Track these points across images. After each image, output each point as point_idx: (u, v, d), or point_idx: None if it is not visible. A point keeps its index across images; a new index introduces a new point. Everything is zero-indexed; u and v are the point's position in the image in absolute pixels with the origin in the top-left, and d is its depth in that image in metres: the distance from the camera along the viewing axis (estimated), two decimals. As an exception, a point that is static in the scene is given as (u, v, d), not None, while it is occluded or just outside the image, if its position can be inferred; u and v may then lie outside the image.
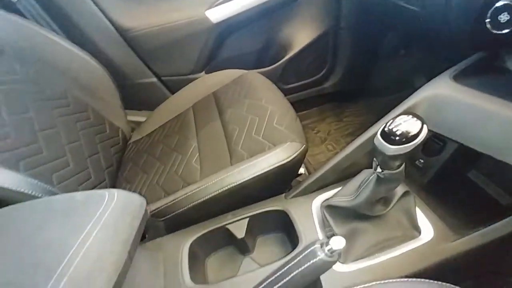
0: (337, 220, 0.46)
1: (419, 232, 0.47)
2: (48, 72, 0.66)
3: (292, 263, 0.30)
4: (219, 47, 0.93)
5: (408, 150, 0.33)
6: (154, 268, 0.46)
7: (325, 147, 1.06)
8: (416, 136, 0.33)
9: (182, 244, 0.50)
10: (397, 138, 0.34)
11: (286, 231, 0.56)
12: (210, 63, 0.95)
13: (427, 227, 0.47)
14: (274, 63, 0.99)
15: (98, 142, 0.69)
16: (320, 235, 0.48)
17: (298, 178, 0.71)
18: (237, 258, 0.56)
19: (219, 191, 0.52)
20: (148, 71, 0.90)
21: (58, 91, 0.66)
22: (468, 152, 0.43)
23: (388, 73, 1.08)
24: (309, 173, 0.86)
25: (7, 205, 0.37)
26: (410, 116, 0.35)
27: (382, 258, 0.44)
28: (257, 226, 0.54)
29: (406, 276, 0.42)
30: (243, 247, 0.55)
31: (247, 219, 0.53)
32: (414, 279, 0.36)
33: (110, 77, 0.79)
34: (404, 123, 0.34)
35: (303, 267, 0.29)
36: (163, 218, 0.55)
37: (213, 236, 0.53)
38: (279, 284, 0.30)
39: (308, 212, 0.51)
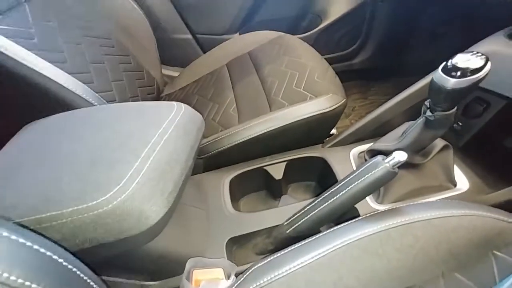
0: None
1: (454, 185, 0.49)
2: (96, 12, 0.67)
3: (356, 173, 0.32)
4: (255, 9, 0.93)
5: (470, 83, 0.34)
6: (198, 193, 0.49)
7: (349, 121, 1.07)
8: (479, 70, 0.34)
9: (223, 179, 0.53)
10: (460, 72, 0.34)
11: (320, 179, 0.58)
12: (245, 25, 0.95)
13: (462, 181, 0.49)
14: (307, 32, 0.98)
15: (138, 86, 0.72)
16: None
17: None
18: (270, 202, 0.59)
19: (260, 132, 0.54)
20: (184, 27, 0.91)
21: (104, 31, 0.67)
22: (507, 119, 0.44)
23: (420, 53, 1.07)
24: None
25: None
26: (474, 52, 0.35)
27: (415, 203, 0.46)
28: (293, 172, 0.56)
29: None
30: (277, 191, 0.57)
31: (285, 162, 0.55)
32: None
33: (150, 27, 0.80)
34: (468, 59, 0.35)
35: (366, 176, 0.31)
36: (202, 156, 0.57)
37: (251, 176, 0.55)
38: (342, 192, 0.32)
39: (346, 160, 0.53)
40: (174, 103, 0.37)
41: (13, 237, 0.18)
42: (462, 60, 0.35)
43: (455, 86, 0.35)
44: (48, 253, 0.20)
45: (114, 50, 0.68)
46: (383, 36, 1.05)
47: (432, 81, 0.37)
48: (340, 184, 0.33)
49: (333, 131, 0.73)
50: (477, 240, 0.28)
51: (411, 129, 0.44)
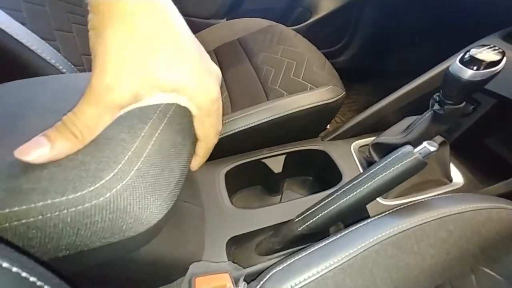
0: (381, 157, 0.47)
1: (450, 180, 0.50)
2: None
3: (382, 164, 0.29)
4: (245, -5, 0.88)
5: (487, 76, 0.34)
6: (191, 187, 0.43)
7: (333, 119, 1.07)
8: (497, 63, 0.34)
9: (218, 172, 0.47)
10: (477, 64, 0.34)
11: (318, 174, 0.55)
12: (233, 11, 0.90)
13: (457, 176, 0.50)
14: (297, 25, 0.96)
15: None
16: (362, 173, 0.48)
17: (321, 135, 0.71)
18: (266, 198, 0.54)
19: (260, 121, 0.49)
20: (166, 6, 0.82)
21: (73, -5, 0.57)
22: (494, 119, 0.46)
23: (400, 57, 1.11)
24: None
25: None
26: (491, 46, 0.35)
27: (419, 198, 0.46)
28: (291, 165, 0.53)
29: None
30: (274, 186, 0.53)
31: (284, 155, 0.51)
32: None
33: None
34: (485, 52, 0.34)
35: (395, 167, 0.28)
36: (193, 146, 0.51)
37: (247, 169, 0.51)
38: (368, 184, 0.29)
39: (349, 154, 0.51)
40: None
41: None
42: (479, 53, 0.35)
43: (472, 77, 0.34)
44: (14, 270, 0.13)
45: (84, 19, 0.58)
46: (366, 38, 1.07)
47: (448, 72, 0.36)
48: (363, 176, 0.31)
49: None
50: (504, 233, 0.28)
51: (419, 122, 0.43)
